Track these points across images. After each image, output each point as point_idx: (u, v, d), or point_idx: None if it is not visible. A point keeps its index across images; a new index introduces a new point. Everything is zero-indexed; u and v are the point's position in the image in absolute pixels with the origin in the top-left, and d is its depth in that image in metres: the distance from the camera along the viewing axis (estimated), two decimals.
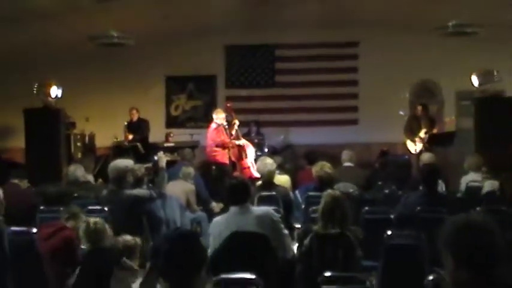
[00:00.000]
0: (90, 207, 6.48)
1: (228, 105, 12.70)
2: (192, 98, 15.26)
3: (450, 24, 10.84)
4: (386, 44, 13.97)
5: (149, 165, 8.87)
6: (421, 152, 11.74)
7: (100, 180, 10.73)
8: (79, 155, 12.90)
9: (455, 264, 2.55)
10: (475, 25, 10.95)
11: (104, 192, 6.96)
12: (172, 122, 15.13)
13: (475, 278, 2.50)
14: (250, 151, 12.04)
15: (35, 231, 5.20)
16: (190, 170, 9.35)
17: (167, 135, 13.77)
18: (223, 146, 11.54)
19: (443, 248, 2.61)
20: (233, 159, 11.87)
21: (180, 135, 13.91)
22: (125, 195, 6.58)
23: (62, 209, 5.88)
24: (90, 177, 9.85)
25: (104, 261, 4.89)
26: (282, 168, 10.40)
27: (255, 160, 11.82)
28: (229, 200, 5.47)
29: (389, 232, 5.26)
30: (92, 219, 5.08)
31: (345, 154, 9.35)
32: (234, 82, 15.08)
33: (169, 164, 9.06)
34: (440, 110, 14.42)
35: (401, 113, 12.86)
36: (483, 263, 2.52)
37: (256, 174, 10.93)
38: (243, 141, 12.01)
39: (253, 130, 13.62)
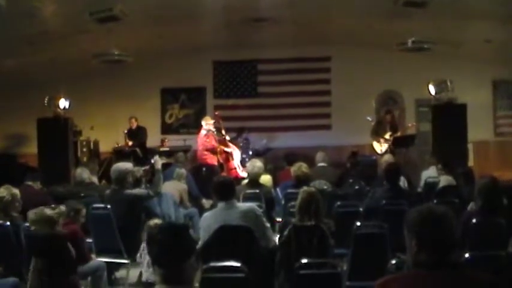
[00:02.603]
0: (94, 205, 6.49)
1: (216, 113, 12.71)
2: (184, 107, 15.21)
3: (409, 41, 10.90)
4: (354, 58, 14.02)
5: (147, 167, 8.88)
6: (386, 152, 11.81)
7: (103, 181, 10.71)
8: (85, 159, 12.84)
9: (418, 247, 2.58)
10: (430, 42, 11.03)
11: (107, 191, 6.95)
12: (167, 129, 15.06)
13: (434, 259, 2.53)
14: (236, 154, 12.05)
15: None
16: (183, 172, 9.35)
17: (162, 141, 13.71)
18: (213, 150, 11.55)
19: (408, 233, 2.64)
20: (221, 161, 11.88)
21: (174, 140, 13.88)
22: (125, 194, 6.58)
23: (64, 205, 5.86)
24: (95, 179, 9.82)
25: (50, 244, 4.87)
26: (264, 169, 10.40)
27: (241, 162, 11.87)
28: (217, 196, 5.48)
29: (358, 223, 5.30)
30: (42, 209, 5.06)
31: (320, 155, 9.37)
32: (221, 93, 15.06)
33: (165, 166, 9.05)
34: (402, 115, 14.50)
35: (368, 118, 12.88)
36: (443, 248, 2.56)
37: (242, 174, 10.98)
38: (231, 149, 12.01)
39: (243, 135, 13.49)
